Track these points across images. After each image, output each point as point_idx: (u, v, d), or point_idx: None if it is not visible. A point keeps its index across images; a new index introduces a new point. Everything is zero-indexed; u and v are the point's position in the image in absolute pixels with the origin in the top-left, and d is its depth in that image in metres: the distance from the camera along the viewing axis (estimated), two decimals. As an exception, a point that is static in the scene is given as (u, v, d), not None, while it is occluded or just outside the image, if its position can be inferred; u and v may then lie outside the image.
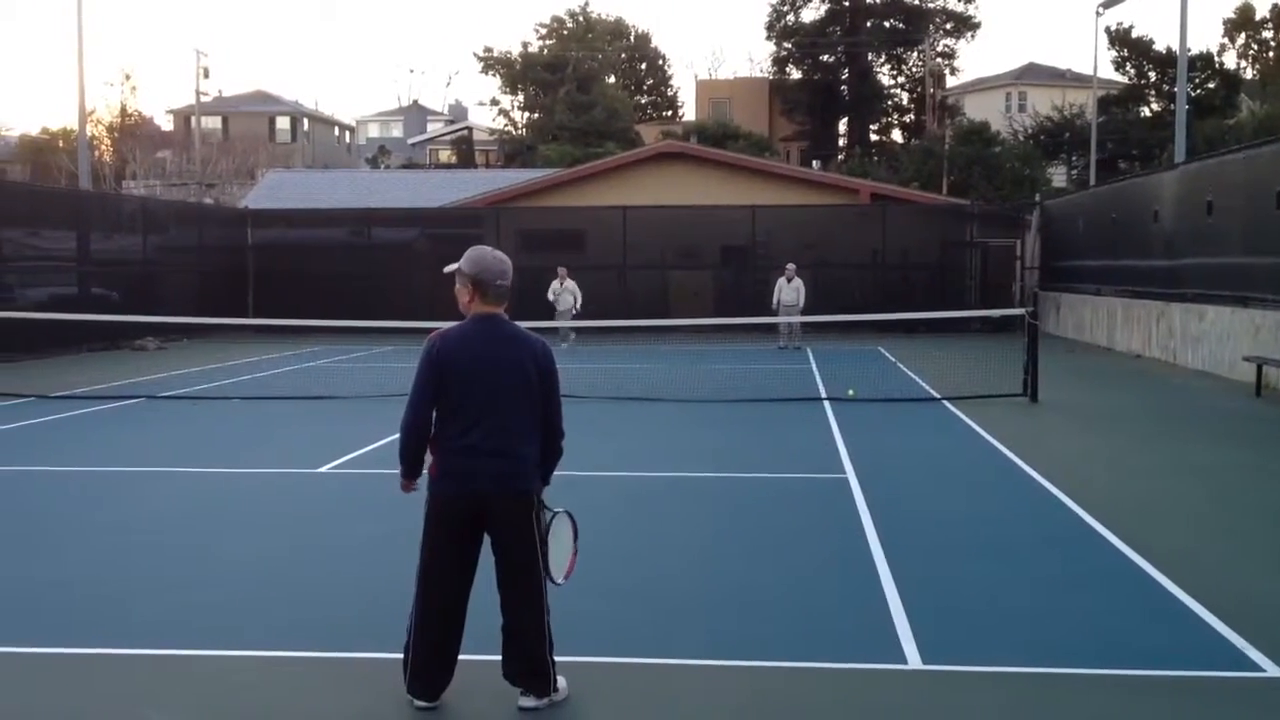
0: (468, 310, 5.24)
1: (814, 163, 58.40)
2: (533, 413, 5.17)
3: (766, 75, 69.49)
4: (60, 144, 65.55)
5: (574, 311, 25.49)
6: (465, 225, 33.92)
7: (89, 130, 41.39)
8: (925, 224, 33.36)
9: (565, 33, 70.63)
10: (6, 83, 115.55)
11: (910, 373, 20.26)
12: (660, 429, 14.04)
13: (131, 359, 23.85)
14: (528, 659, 5.18)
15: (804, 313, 25.08)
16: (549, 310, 25.19)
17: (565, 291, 26.04)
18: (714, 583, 7.32)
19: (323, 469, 11.26)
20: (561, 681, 5.28)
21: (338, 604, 6.87)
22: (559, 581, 5.32)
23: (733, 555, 8.03)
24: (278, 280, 32.21)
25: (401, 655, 5.26)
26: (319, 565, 7.82)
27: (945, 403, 16.04)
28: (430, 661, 5.17)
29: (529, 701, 5.19)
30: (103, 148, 62.36)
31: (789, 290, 25.54)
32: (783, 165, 43.06)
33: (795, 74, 66.56)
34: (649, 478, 10.97)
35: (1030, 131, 53.70)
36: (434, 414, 5.13)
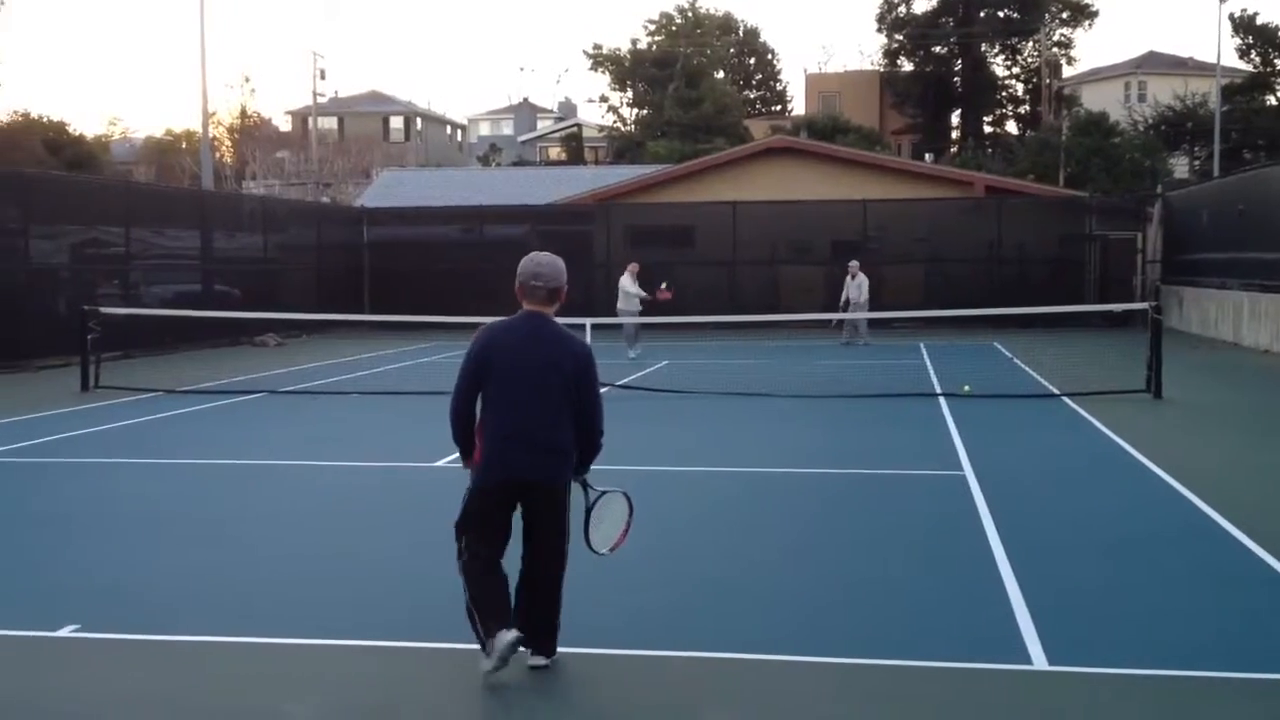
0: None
1: (926, 156, 57.63)
2: (565, 408, 5.45)
3: (877, 68, 68.80)
4: (183, 145, 67.42)
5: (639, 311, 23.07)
6: (575, 222, 34.14)
7: (210, 131, 42.49)
8: (1042, 217, 32.73)
9: (674, 29, 70.66)
10: (132, 87, 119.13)
11: (1028, 368, 19.88)
12: (772, 424, 13.97)
13: (253, 354, 24.43)
14: (542, 619, 5.48)
15: (876, 309, 25.64)
16: (659, 306, 23.13)
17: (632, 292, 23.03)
18: (830, 579, 7.25)
19: (438, 463, 11.40)
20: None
21: (456, 596, 6.94)
22: (601, 552, 5.69)
23: (849, 552, 7.96)
24: (392, 277, 32.74)
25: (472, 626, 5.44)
26: (437, 558, 7.90)
27: (1065, 399, 15.71)
28: (495, 602, 5.40)
29: (539, 660, 5.48)
30: (223, 148, 63.97)
31: (853, 287, 25.44)
32: (894, 159, 42.59)
33: (907, 66, 65.81)
34: (762, 473, 10.91)
35: (1151, 121, 52.37)
36: (479, 402, 5.51)
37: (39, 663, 5.87)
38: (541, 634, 5.50)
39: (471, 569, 5.46)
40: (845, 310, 25.26)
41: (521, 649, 5.38)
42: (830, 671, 5.65)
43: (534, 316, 5.52)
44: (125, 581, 7.28)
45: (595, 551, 5.68)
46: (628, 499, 5.84)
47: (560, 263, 5.59)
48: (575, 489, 5.68)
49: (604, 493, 5.70)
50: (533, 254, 5.61)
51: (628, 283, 22.71)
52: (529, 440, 5.39)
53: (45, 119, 58.30)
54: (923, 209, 32.13)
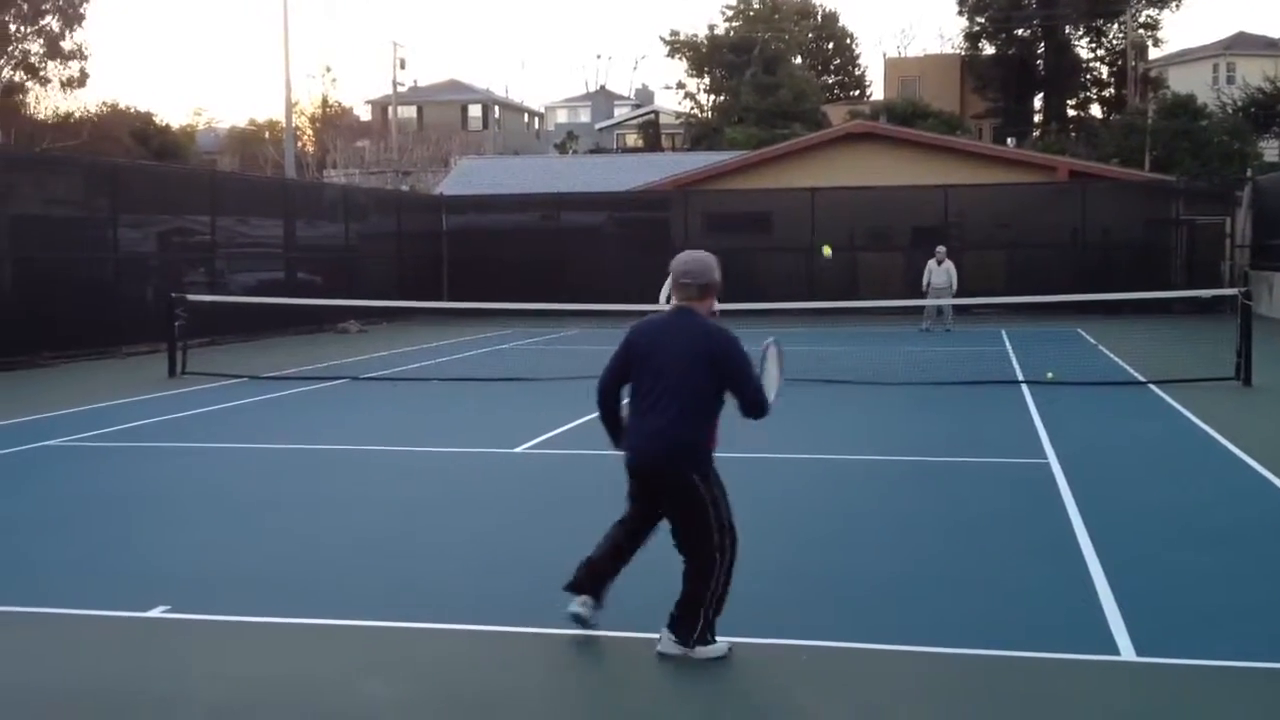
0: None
1: (1008, 140, 56.82)
2: (700, 400, 5.49)
3: (958, 51, 68.00)
4: (266, 135, 68.41)
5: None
6: (652, 209, 34.12)
7: (293, 121, 43.05)
8: (1127, 201, 32.13)
9: (752, 14, 70.29)
10: (216, 78, 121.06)
11: (1113, 355, 19.55)
12: (852, 412, 13.88)
13: (335, 341, 24.74)
14: (680, 601, 5.54)
15: (960, 295, 24.71)
16: (737, 293, 23.22)
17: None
18: (915, 568, 7.19)
19: (519, 449, 11.48)
20: (715, 649, 5.47)
21: (541, 580, 6.98)
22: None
23: (931, 540, 7.88)
24: (471, 264, 32.95)
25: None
26: (519, 543, 7.98)
27: (1151, 386, 15.43)
28: (597, 562, 5.74)
29: (668, 648, 5.50)
30: (305, 138, 64.82)
31: (939, 273, 25.06)
32: (976, 143, 42.04)
33: (988, 49, 64.95)
34: (842, 461, 10.86)
35: (1240, 104, 51.13)
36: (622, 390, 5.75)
37: (131, 642, 6.00)
38: (678, 617, 5.54)
39: (608, 533, 5.84)
40: (927, 296, 25.02)
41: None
42: (917, 660, 5.60)
43: (681, 312, 5.65)
44: (212, 564, 7.42)
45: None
46: (776, 346, 5.99)
47: (710, 259, 5.68)
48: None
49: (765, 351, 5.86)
50: (683, 252, 5.75)
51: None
52: (652, 430, 5.51)
53: (133, 110, 59.48)
54: (1005, 194, 31.69)
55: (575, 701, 5.22)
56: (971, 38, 65.36)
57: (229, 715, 5.05)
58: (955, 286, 24.92)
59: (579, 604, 5.71)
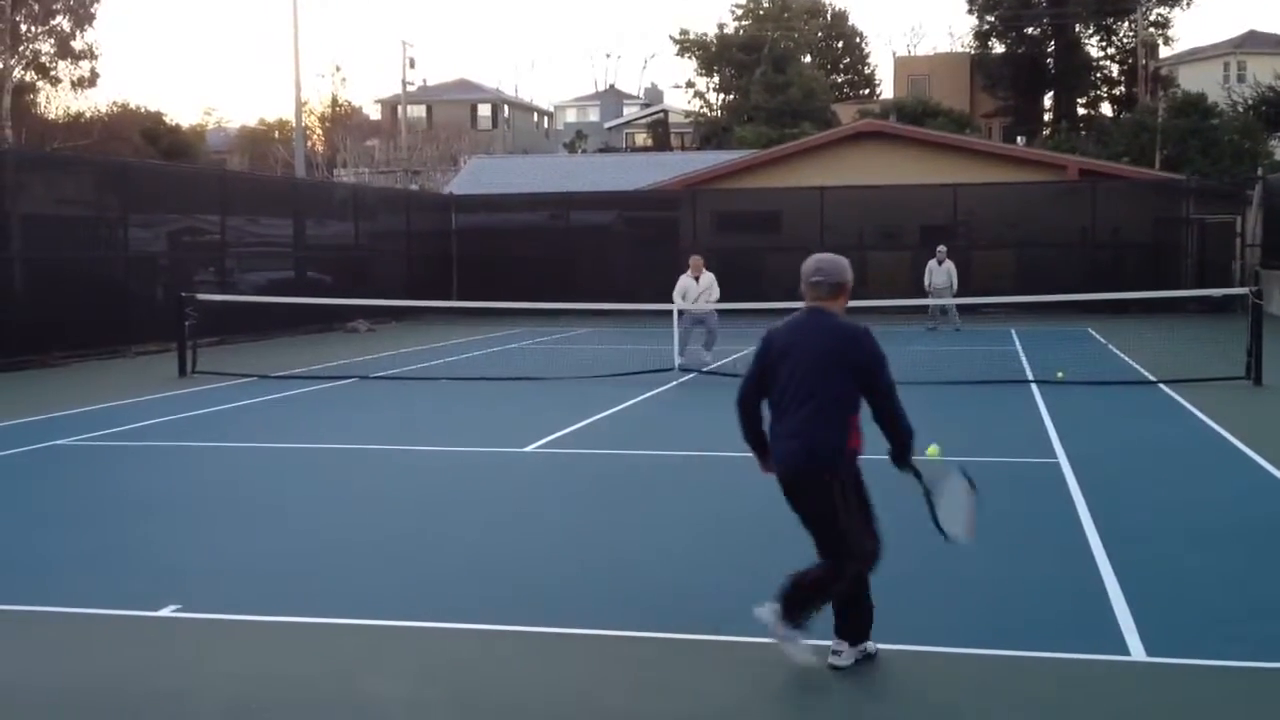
0: None
1: (1018, 139, 56.70)
2: (837, 402, 5.41)
3: (968, 50, 67.81)
4: (275, 134, 68.47)
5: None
6: (661, 208, 34.12)
7: (302, 121, 43.12)
8: (1137, 200, 32.05)
9: (761, 13, 70.22)
10: (226, 77, 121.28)
11: (1123, 355, 19.50)
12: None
13: (344, 340, 24.77)
14: (797, 578, 5.44)
15: (959, 294, 24.78)
16: (747, 293, 21.61)
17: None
18: (921, 568, 7.17)
19: (528, 448, 11.48)
20: (795, 648, 5.34)
21: (549, 580, 6.99)
22: (961, 539, 5.72)
23: (931, 538, 7.84)
24: (480, 264, 32.96)
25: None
26: (530, 542, 7.98)
27: (1161, 386, 15.39)
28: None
29: (835, 660, 5.42)
30: (315, 137, 64.89)
31: (940, 273, 25.16)
32: (985, 142, 41.96)
33: (998, 48, 64.75)
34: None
35: (1250, 103, 50.94)
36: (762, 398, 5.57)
37: (143, 641, 6.02)
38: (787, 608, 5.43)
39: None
40: (929, 295, 25.03)
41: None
42: (926, 660, 5.59)
43: (815, 312, 5.55)
44: (223, 563, 7.43)
45: (953, 539, 5.71)
46: (965, 476, 5.82)
47: (842, 260, 5.63)
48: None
49: (937, 480, 5.73)
50: (815, 254, 5.68)
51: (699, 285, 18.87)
52: (790, 434, 5.42)
53: (143, 109, 59.57)
54: (1014, 193, 31.63)
55: (585, 701, 5.22)
56: (981, 36, 65.19)
57: (239, 714, 5.06)
58: (955, 286, 25.01)
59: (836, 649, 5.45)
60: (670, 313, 18.42)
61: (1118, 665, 5.50)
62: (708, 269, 18.99)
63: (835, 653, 5.42)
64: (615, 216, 34.08)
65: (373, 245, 31.18)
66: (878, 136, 34.67)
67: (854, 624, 5.47)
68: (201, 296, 19.32)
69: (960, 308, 25.40)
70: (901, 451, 5.58)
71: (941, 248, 25.61)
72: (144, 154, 46.78)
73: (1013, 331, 24.48)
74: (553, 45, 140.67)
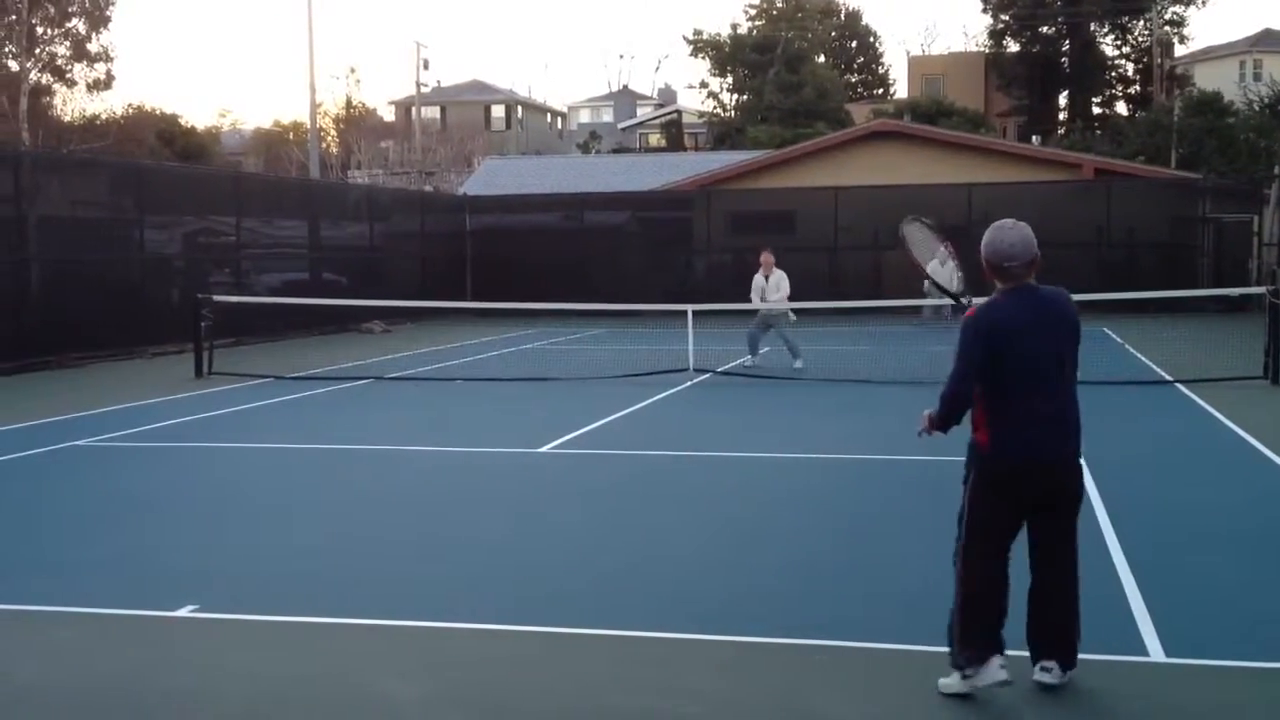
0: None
1: (1033, 138, 56.56)
2: (1072, 375, 5.23)
3: (982, 49, 67.65)
4: (290, 136, 68.61)
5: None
6: (675, 208, 34.12)
7: (317, 122, 43.22)
8: (1153, 200, 31.93)
9: (775, 13, 70.15)
10: (241, 79, 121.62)
11: (1139, 354, 19.44)
12: (876, 411, 13.84)
13: (359, 341, 24.82)
14: (1053, 626, 5.21)
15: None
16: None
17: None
18: (937, 568, 7.15)
19: (544, 449, 11.48)
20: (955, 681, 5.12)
21: (565, 580, 7.00)
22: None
23: (950, 541, 7.83)
24: (494, 264, 32.96)
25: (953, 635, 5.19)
26: (545, 542, 7.98)
27: (1179, 385, 15.33)
28: (991, 624, 5.15)
29: (1048, 678, 5.16)
30: (329, 139, 65.02)
31: (943, 273, 24.87)
32: (1000, 141, 41.85)
33: (1013, 47, 64.60)
34: (866, 460, 10.82)
35: (1267, 101, 50.70)
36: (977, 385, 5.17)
37: (160, 641, 6.03)
38: (1056, 643, 5.22)
39: (975, 580, 5.20)
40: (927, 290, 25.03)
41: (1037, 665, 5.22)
42: (943, 663, 5.56)
43: (1023, 290, 5.14)
44: (240, 563, 7.45)
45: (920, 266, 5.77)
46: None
47: (1029, 230, 5.15)
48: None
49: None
50: (999, 227, 5.18)
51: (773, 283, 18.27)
52: (1052, 415, 5.14)
53: (158, 111, 59.72)
54: (1029, 192, 31.51)
55: (600, 701, 5.21)
56: (996, 35, 65.04)
57: (257, 714, 5.07)
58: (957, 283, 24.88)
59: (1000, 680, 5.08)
60: (684, 313, 18.41)
61: (1137, 666, 5.49)
62: (779, 266, 18.35)
63: (1047, 669, 5.20)
64: (629, 217, 34.08)
65: (387, 246, 31.23)
66: (892, 136, 34.62)
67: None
68: (217, 298, 19.37)
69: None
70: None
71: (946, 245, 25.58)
72: (159, 156, 46.92)
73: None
74: (566, 46, 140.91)
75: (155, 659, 5.74)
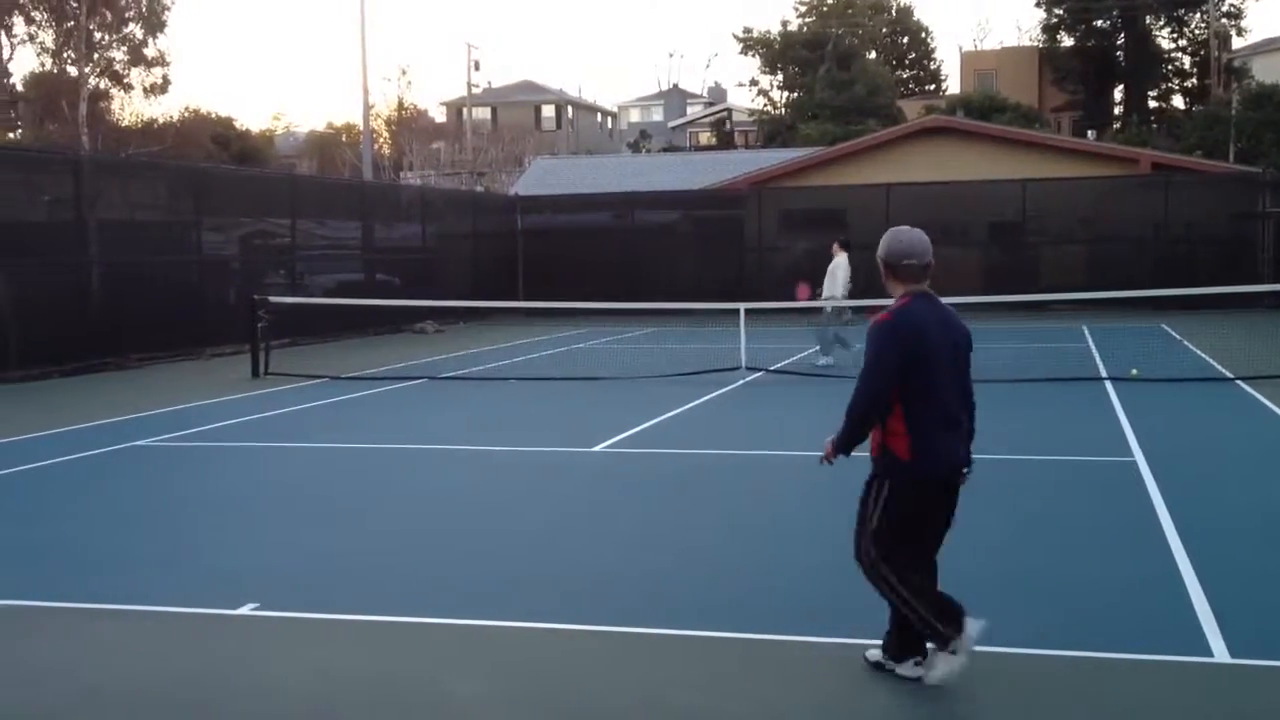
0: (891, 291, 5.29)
1: (1088, 133, 55.94)
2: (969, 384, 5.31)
3: (1036, 44, 66.98)
4: (343, 138, 69.20)
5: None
6: (726, 206, 34.05)
7: (370, 124, 43.53)
8: (1212, 194, 31.47)
9: (825, 9, 69.83)
10: (294, 82, 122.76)
11: (1199, 351, 19.18)
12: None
13: (412, 341, 24.98)
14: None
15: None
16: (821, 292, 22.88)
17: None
18: (997, 567, 7.10)
19: (596, 448, 11.50)
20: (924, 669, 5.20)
21: (620, 579, 7.01)
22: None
23: (1015, 539, 7.79)
24: (545, 264, 33.07)
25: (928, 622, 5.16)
26: (600, 542, 8.00)
27: (1239, 383, 15.11)
28: (946, 600, 5.20)
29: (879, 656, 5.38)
30: (381, 140, 65.47)
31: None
32: (1055, 136, 41.39)
33: (1067, 41, 63.91)
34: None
35: (1328, 93, 49.90)
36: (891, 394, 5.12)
37: (222, 638, 6.10)
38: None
39: (914, 577, 5.18)
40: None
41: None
42: (1005, 661, 5.52)
43: (929, 297, 5.22)
44: (300, 562, 7.53)
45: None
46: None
47: (925, 235, 5.25)
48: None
49: None
50: (895, 230, 5.28)
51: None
52: (957, 424, 5.20)
53: (214, 115, 60.40)
54: (1085, 188, 31.22)
55: (655, 700, 5.22)
56: (1049, 29, 64.37)
57: (317, 712, 5.12)
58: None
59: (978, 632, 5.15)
60: (736, 312, 18.38)
61: (1200, 667, 5.41)
62: (842, 250, 18.28)
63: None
64: (680, 216, 34.06)
65: (439, 247, 31.40)
66: (944, 132, 34.38)
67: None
68: (273, 299, 19.56)
69: (1026, 305, 25.07)
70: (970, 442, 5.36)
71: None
72: (215, 159, 47.44)
73: (1084, 328, 24.16)
74: (616, 46, 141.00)
75: (219, 657, 5.80)
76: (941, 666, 5.11)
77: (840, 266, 18.06)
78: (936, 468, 5.13)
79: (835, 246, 18.47)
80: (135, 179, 23.29)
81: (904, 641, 5.28)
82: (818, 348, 18.35)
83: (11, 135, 46.50)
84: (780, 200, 33.13)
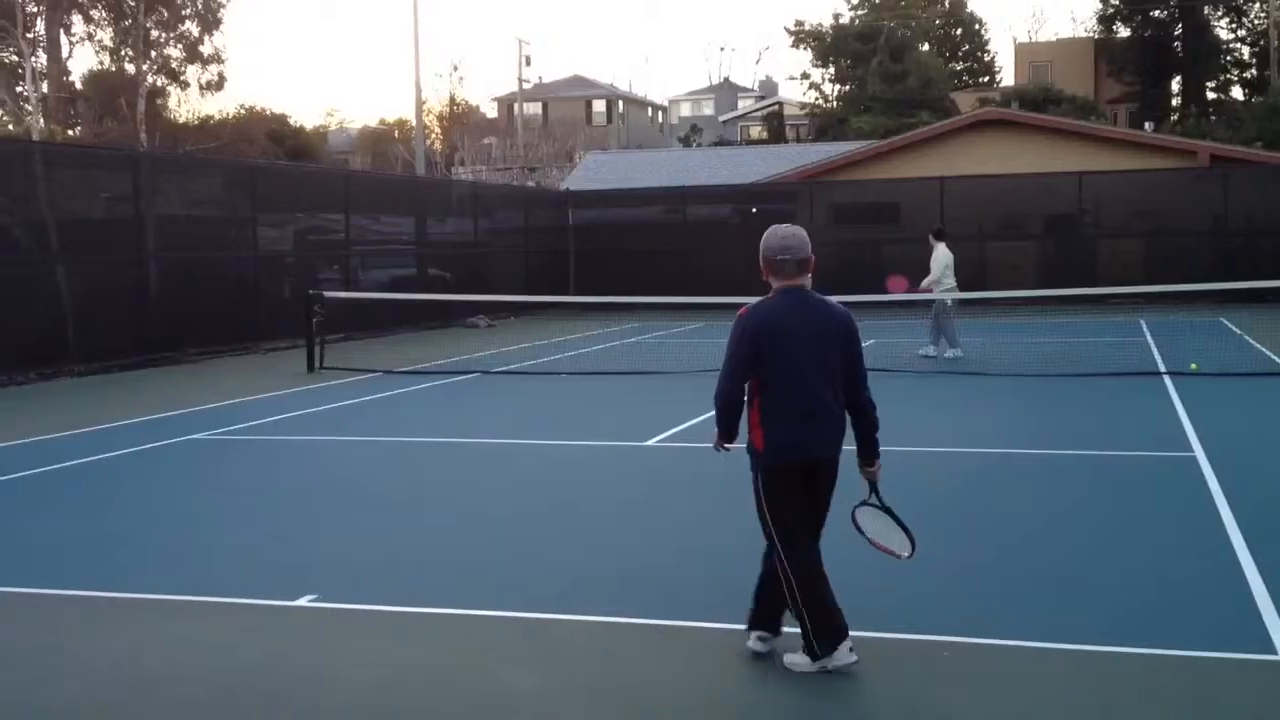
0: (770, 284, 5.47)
1: (1145, 125, 55.26)
2: (838, 379, 5.34)
3: (1091, 35, 66.25)
4: (395, 134, 69.63)
5: None
6: (778, 201, 33.90)
7: (422, 120, 43.76)
8: (1272, 186, 30.93)
9: (878, 1, 69.38)
10: (347, 79, 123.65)
11: (1260, 345, 18.89)
12: (986, 404, 13.64)
13: (464, 336, 25.10)
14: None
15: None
16: (865, 285, 23.45)
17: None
18: (1056, 564, 7.03)
19: (650, 442, 11.51)
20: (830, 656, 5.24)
21: (675, 573, 7.00)
22: (903, 555, 5.54)
23: (1075, 535, 7.70)
24: (596, 259, 33.14)
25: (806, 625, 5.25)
26: (654, 536, 8.00)
27: (1301, 377, 14.88)
28: (833, 612, 5.26)
29: (761, 647, 5.47)
30: (433, 136, 65.83)
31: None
32: (1112, 129, 40.93)
33: (1123, 32, 63.15)
34: (976, 454, 10.67)
35: (1392, 82, 49.02)
36: (748, 384, 5.35)
37: (283, 629, 6.16)
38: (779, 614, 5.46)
39: (801, 566, 5.27)
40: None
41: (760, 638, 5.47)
42: (1065, 658, 5.47)
43: (793, 291, 5.37)
44: (356, 554, 7.58)
45: (897, 555, 5.53)
46: (871, 506, 5.61)
47: (804, 233, 5.44)
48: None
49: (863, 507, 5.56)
50: (774, 228, 5.47)
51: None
52: (819, 416, 5.27)
53: (268, 112, 60.97)
54: (1142, 180, 30.82)
55: (713, 694, 5.21)
56: (1105, 20, 63.65)
57: (375, 703, 5.15)
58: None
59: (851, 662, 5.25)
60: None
61: (1263, 664, 5.33)
62: (939, 240, 18.31)
63: (763, 639, 5.47)
64: (731, 210, 33.99)
65: (491, 242, 31.54)
66: (999, 125, 34.08)
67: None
68: (328, 294, 19.73)
69: (1082, 298, 24.80)
70: (874, 444, 5.47)
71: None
72: (270, 155, 47.90)
73: (1142, 322, 23.87)
74: (666, 40, 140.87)
75: (279, 647, 5.86)
76: (801, 663, 5.28)
77: (941, 257, 18.00)
78: (787, 458, 5.27)
79: (931, 237, 18.50)
80: (192, 175, 23.57)
81: (762, 614, 5.48)
82: (930, 343, 18.31)
83: (70, 133, 47.15)
84: (832, 194, 33.00)
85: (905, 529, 5.46)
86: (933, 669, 5.36)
